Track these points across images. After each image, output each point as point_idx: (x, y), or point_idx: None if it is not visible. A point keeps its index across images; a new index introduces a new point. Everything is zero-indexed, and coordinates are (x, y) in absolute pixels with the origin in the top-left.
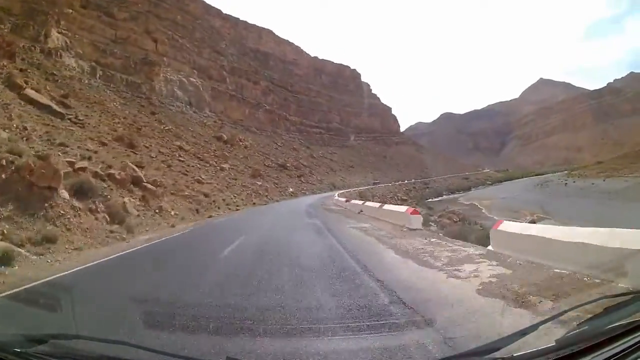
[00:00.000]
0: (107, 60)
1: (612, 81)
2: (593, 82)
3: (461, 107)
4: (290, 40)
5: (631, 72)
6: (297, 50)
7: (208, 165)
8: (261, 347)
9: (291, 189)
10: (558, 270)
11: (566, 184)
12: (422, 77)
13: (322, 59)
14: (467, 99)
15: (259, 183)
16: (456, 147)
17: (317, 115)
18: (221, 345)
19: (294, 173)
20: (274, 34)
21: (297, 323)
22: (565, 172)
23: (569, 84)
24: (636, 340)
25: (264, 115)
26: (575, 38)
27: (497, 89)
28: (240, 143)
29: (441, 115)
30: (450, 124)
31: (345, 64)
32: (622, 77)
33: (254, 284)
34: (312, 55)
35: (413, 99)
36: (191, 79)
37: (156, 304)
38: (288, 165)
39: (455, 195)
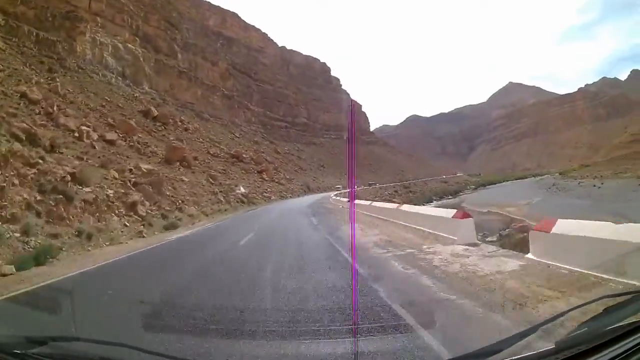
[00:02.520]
0: (17, 10)
1: (583, 86)
2: (563, 87)
3: (428, 110)
4: (257, 27)
5: (603, 77)
6: (264, 37)
7: (51, 124)
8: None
9: (242, 190)
10: None
11: (595, 185)
12: (388, 79)
13: (291, 50)
14: (434, 102)
15: (156, 169)
16: (423, 151)
17: (283, 108)
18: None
19: (253, 167)
20: (239, 18)
21: None
22: (547, 175)
23: (539, 88)
24: (638, 341)
25: (221, 101)
26: (545, 43)
27: (465, 92)
28: (180, 124)
29: (407, 117)
30: (417, 127)
31: (314, 56)
32: (594, 82)
33: None
34: (280, 45)
35: (378, 100)
36: (130, 45)
37: None
38: (244, 156)
39: (450, 200)
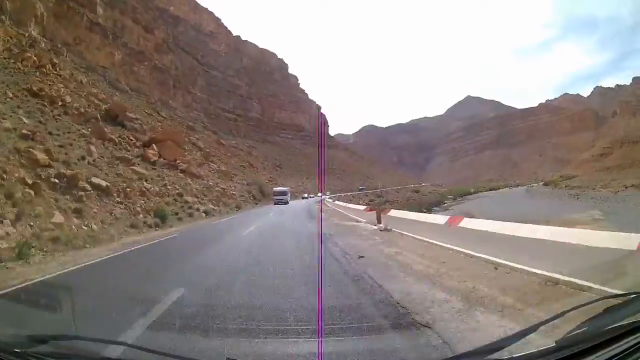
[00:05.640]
0: None
1: (544, 101)
2: (522, 102)
3: (384, 121)
4: (210, 10)
5: (565, 93)
6: (217, 23)
7: None
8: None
9: None
10: None
11: None
12: (344, 88)
13: (245, 40)
14: (390, 113)
15: None
16: (380, 160)
17: (233, 99)
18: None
19: (134, 137)
20: None
21: None
22: (520, 185)
23: (498, 102)
24: (637, 341)
25: (150, 74)
26: (504, 58)
27: (422, 104)
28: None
29: (363, 127)
30: (372, 137)
31: (271, 50)
32: (556, 98)
33: None
34: (235, 34)
35: (333, 108)
36: None
37: None
38: (130, 115)
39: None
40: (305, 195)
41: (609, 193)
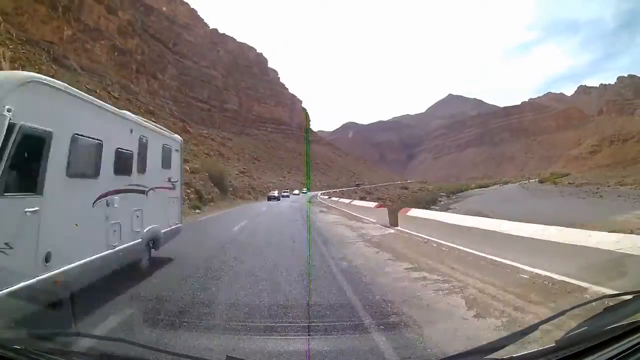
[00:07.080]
0: None
1: (527, 100)
2: (504, 101)
3: (365, 118)
4: (186, 1)
5: (548, 92)
6: (193, 14)
7: None
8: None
9: None
10: None
11: None
12: (325, 85)
13: (223, 33)
14: (372, 110)
15: None
16: (361, 158)
17: (208, 90)
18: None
19: None
20: None
21: None
22: (522, 182)
23: (480, 100)
24: (637, 341)
25: (107, 54)
26: (487, 58)
27: (404, 102)
28: None
29: (344, 124)
30: (354, 134)
31: (250, 44)
32: (539, 97)
33: None
34: (212, 27)
35: (314, 105)
36: None
37: None
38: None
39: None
40: (275, 193)
41: (633, 190)
